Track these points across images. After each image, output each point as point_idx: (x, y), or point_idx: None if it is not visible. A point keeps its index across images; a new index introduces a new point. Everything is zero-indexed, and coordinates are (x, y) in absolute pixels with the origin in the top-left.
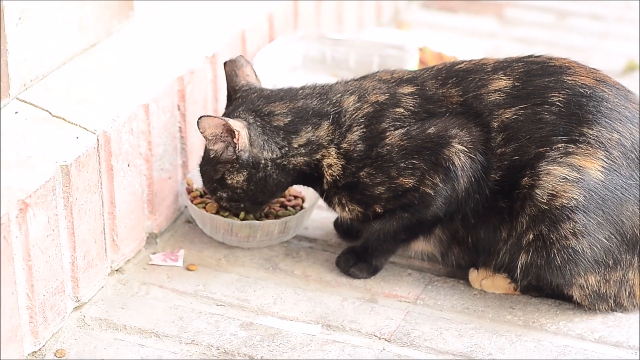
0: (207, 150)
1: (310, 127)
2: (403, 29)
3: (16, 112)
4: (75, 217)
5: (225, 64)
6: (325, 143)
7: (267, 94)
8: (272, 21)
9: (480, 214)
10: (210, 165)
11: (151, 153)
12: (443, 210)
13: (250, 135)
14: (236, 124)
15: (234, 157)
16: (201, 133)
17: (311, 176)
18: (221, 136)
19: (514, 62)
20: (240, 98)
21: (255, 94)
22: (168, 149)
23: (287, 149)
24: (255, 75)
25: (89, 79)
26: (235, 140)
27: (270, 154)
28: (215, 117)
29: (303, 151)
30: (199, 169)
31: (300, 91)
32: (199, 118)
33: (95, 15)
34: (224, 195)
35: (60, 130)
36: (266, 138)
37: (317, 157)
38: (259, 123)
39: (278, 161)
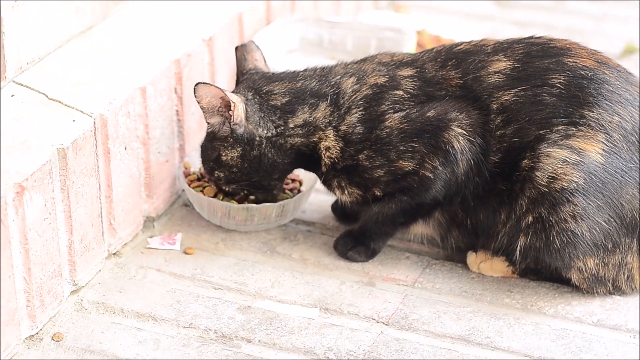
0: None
1: (307, 108)
2: (400, 11)
3: (12, 95)
4: (72, 201)
5: (236, 48)
6: (322, 125)
7: (269, 75)
8: (269, 4)
9: (480, 197)
10: (208, 142)
11: (148, 136)
12: (442, 193)
13: (247, 111)
14: (233, 97)
15: (230, 131)
16: (198, 102)
17: (310, 158)
18: (218, 109)
19: (515, 44)
20: (245, 80)
21: (258, 75)
22: (165, 132)
23: (282, 128)
24: (264, 60)
25: (85, 61)
26: (230, 112)
27: (265, 132)
28: (212, 85)
29: (300, 132)
30: (200, 149)
31: (302, 73)
32: (196, 85)
33: None
34: (222, 175)
35: (56, 113)
36: (262, 115)
37: (314, 139)
38: (256, 100)
39: (274, 139)
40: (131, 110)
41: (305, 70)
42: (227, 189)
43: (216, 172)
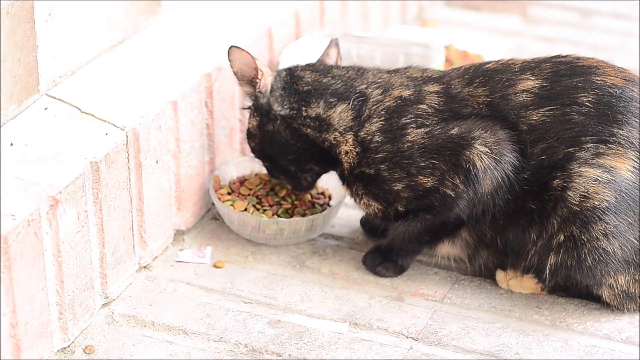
0: None
1: (323, 104)
2: (427, 27)
3: (46, 108)
4: (105, 214)
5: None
6: (340, 128)
7: (312, 64)
8: (298, 18)
9: (509, 216)
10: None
11: (179, 150)
12: (466, 212)
13: (272, 84)
14: (264, 68)
15: (253, 96)
16: (230, 66)
17: (328, 154)
18: (252, 79)
19: (542, 63)
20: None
21: (308, 63)
22: (195, 145)
23: (295, 112)
24: (337, 58)
25: (117, 75)
26: (258, 79)
27: (280, 109)
28: (245, 51)
29: (311, 124)
30: None
31: (335, 70)
32: (230, 47)
33: (123, 11)
34: (252, 145)
35: (89, 126)
36: (283, 93)
37: (329, 138)
38: (286, 79)
39: (288, 120)
40: (162, 124)
41: (340, 69)
42: (257, 156)
43: (249, 140)
